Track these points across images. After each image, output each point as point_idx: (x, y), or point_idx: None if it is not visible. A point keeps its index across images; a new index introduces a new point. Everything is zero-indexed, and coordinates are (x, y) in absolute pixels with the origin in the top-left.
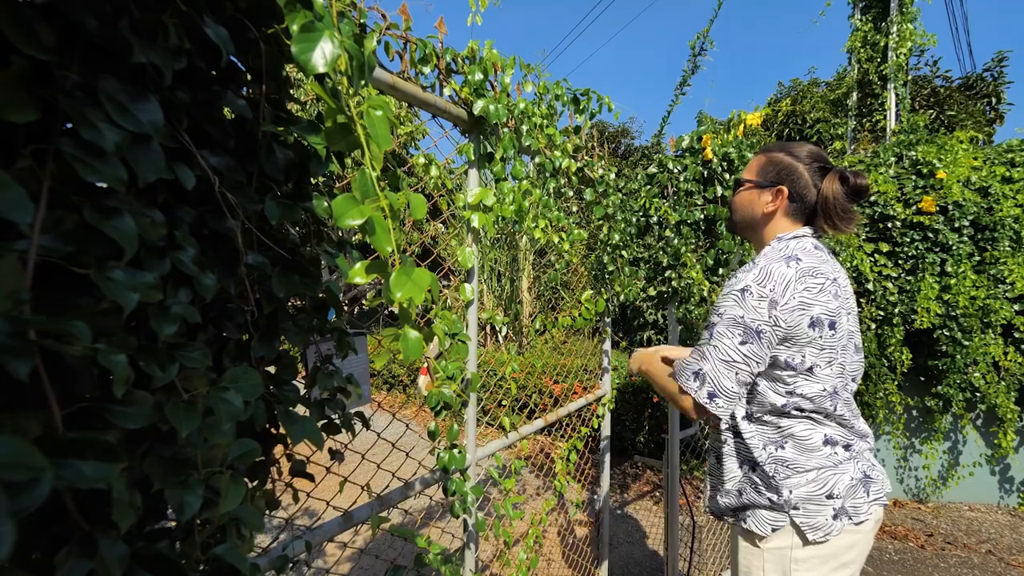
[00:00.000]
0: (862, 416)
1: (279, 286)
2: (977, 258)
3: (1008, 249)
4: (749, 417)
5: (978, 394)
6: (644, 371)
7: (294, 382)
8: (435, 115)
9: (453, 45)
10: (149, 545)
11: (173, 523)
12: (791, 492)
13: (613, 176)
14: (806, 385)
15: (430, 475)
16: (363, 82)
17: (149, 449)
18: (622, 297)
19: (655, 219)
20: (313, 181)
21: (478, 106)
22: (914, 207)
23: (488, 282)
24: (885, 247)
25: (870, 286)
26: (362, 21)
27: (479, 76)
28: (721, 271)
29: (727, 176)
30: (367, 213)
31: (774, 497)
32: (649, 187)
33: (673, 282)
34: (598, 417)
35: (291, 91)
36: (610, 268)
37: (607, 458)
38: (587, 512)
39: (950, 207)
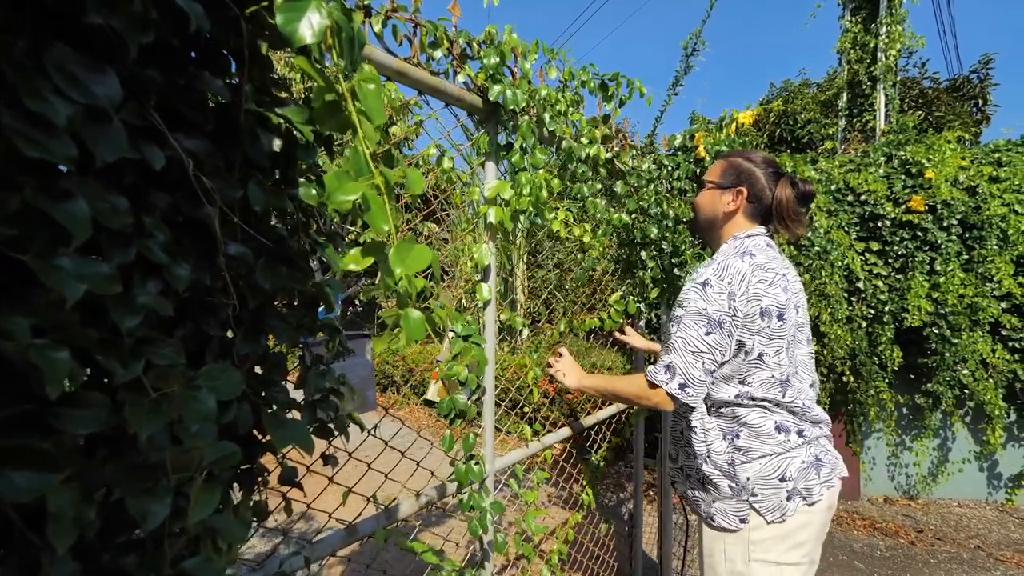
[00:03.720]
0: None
1: (264, 277)
2: (965, 257)
3: (995, 248)
4: (709, 410)
5: (967, 391)
6: (589, 386)
7: (284, 383)
8: (448, 103)
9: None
10: (115, 559)
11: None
12: (748, 478)
13: (647, 167)
14: (756, 373)
15: (442, 486)
16: (352, 57)
17: (113, 454)
18: (653, 297)
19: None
20: (302, 167)
21: (494, 92)
22: (903, 206)
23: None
24: (875, 246)
25: (861, 284)
26: (366, 2)
27: (495, 60)
28: None
29: None
30: (360, 189)
31: (733, 484)
32: (653, 184)
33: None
34: (631, 426)
35: (277, 77)
36: (649, 264)
37: (640, 470)
38: (611, 523)
39: (939, 206)
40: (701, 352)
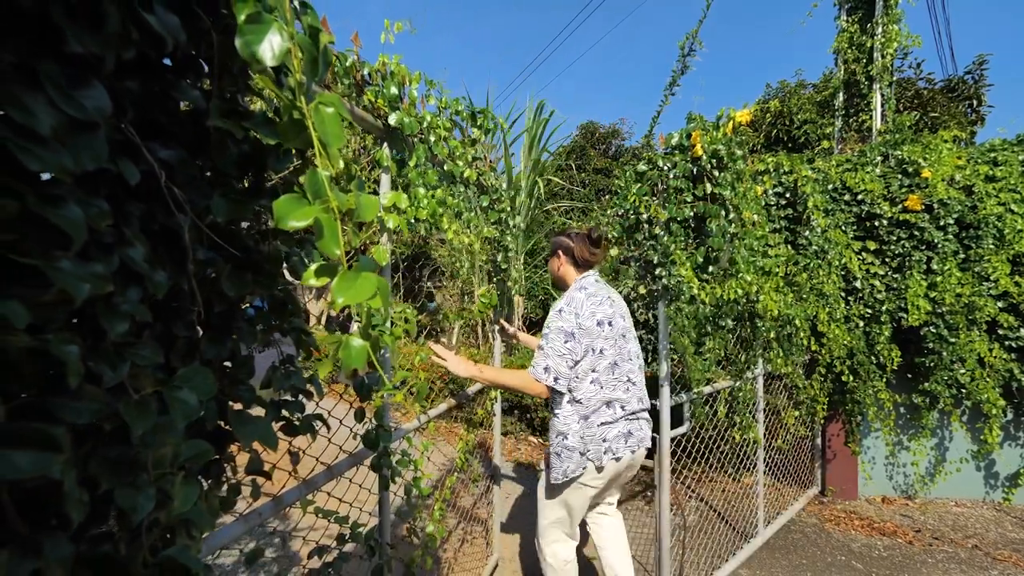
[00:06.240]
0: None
1: (229, 285)
2: (962, 256)
3: (992, 247)
4: (571, 401)
5: (964, 390)
6: (483, 377)
7: (249, 383)
8: (351, 123)
9: (370, 60)
10: (93, 547)
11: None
12: (585, 443)
13: (504, 186)
14: (600, 362)
15: (350, 458)
16: (316, 77)
17: (94, 450)
18: (515, 291)
19: (645, 217)
20: (274, 177)
21: (393, 118)
22: (900, 205)
23: (481, 283)
24: (872, 245)
25: (858, 284)
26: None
27: (394, 91)
28: (711, 268)
29: (716, 173)
30: (313, 214)
31: (578, 447)
32: (640, 185)
33: (663, 280)
34: (492, 400)
35: (250, 84)
36: (503, 266)
37: (498, 447)
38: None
39: (935, 205)
40: (564, 355)
